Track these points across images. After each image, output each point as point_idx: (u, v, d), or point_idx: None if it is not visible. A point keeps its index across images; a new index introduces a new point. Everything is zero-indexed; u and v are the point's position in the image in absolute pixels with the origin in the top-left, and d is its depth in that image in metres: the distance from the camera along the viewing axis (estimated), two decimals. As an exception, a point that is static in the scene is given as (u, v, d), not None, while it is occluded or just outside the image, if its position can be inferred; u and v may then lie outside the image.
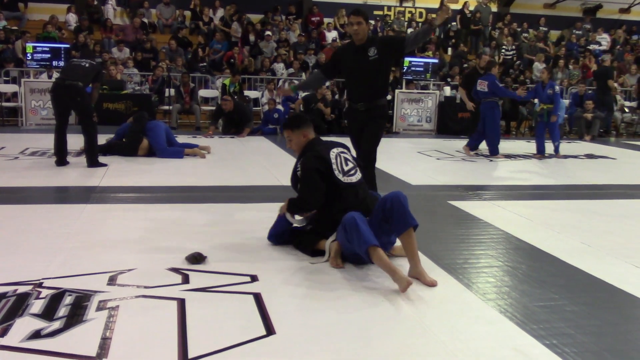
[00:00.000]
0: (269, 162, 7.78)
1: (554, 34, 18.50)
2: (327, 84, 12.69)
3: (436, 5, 18.10)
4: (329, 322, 2.86)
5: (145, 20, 15.34)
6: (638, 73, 14.45)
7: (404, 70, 12.78)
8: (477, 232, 4.72)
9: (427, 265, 3.73)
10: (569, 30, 18.40)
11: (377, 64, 4.88)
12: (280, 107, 11.63)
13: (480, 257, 4.07)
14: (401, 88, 12.89)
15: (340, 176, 3.84)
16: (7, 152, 7.86)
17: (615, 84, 13.64)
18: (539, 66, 14.96)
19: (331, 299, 3.13)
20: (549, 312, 3.09)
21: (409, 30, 16.85)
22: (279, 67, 13.83)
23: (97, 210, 4.96)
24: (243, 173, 7.03)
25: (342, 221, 3.51)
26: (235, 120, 10.71)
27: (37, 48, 11.23)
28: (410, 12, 18.73)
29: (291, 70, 13.76)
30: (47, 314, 2.82)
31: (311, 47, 15.11)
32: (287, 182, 4.41)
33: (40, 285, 3.18)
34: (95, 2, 15.35)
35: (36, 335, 2.61)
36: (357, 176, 3.94)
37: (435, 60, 13.93)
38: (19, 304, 2.92)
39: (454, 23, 17.56)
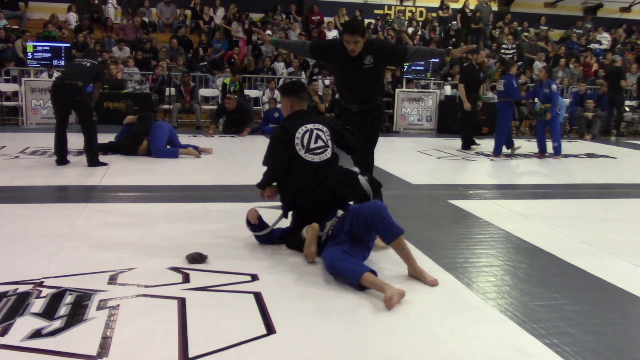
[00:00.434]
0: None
1: (555, 34, 18.47)
2: (327, 82, 12.69)
3: (437, 5, 18.10)
4: (329, 321, 2.87)
5: (146, 19, 15.33)
6: (638, 72, 14.43)
7: (405, 70, 12.78)
8: (478, 231, 4.72)
9: (428, 264, 3.74)
10: (570, 30, 18.39)
11: (372, 71, 4.51)
12: (280, 106, 11.61)
13: (481, 256, 4.07)
14: (401, 87, 12.89)
15: (301, 152, 3.84)
16: (8, 151, 7.86)
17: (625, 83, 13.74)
18: (539, 65, 14.95)
19: (331, 299, 3.13)
20: (549, 311, 3.09)
21: (410, 30, 16.86)
22: (279, 66, 13.82)
23: (98, 209, 4.96)
24: (243, 172, 7.03)
25: (324, 261, 3.48)
26: (237, 120, 10.71)
27: (38, 47, 11.24)
28: (410, 11, 18.71)
29: (291, 69, 13.76)
30: (48, 313, 2.83)
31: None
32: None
33: (40, 284, 3.18)
34: (96, 2, 15.35)
35: (37, 334, 2.61)
36: (323, 156, 3.87)
37: (436, 60, 13.92)
38: (20, 303, 2.92)
39: (454, 22, 17.55)
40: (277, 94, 11.97)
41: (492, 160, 8.90)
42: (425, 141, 10.82)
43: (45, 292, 3.08)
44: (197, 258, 3.63)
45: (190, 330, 2.69)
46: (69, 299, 3.00)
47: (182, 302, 3.00)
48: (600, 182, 7.36)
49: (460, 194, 6.15)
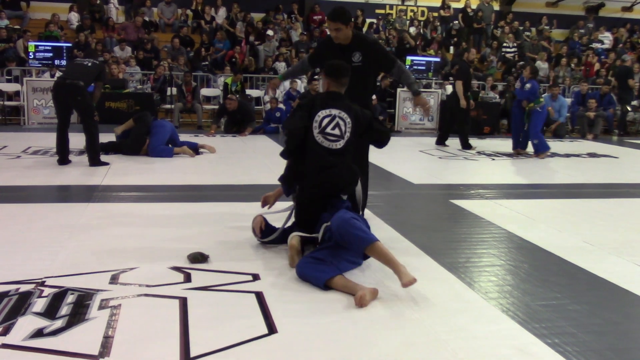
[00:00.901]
0: (271, 161, 7.77)
1: (555, 34, 18.44)
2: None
3: (438, 4, 18.08)
4: (330, 321, 2.86)
5: (147, 18, 15.34)
6: (640, 72, 14.46)
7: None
8: (479, 230, 4.72)
9: (429, 264, 3.74)
10: (571, 29, 18.37)
11: (359, 70, 4.36)
12: (282, 105, 11.63)
13: (482, 255, 4.07)
14: (403, 87, 12.88)
15: (315, 130, 3.77)
16: (10, 151, 7.87)
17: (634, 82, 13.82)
18: (541, 65, 14.95)
19: (333, 298, 3.13)
20: (551, 311, 3.09)
21: (412, 30, 16.84)
22: (281, 66, 13.83)
23: (99, 209, 4.96)
24: (245, 172, 7.03)
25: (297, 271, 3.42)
26: (238, 119, 10.71)
27: (39, 47, 11.24)
28: (412, 10, 18.71)
29: (292, 69, 13.75)
30: (50, 312, 2.83)
31: (313, 45, 15.10)
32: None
33: (42, 283, 3.18)
34: (98, 1, 15.36)
35: (38, 333, 2.61)
36: (334, 145, 3.78)
37: (438, 59, 13.93)
38: (21, 303, 2.92)
39: (456, 22, 17.54)
40: (278, 93, 11.97)
41: (493, 159, 8.89)
42: (426, 141, 10.81)
43: (47, 291, 3.08)
44: (199, 258, 3.63)
45: (191, 330, 2.69)
46: (70, 298, 3.00)
47: (183, 302, 3.00)
48: (602, 182, 7.35)
49: (461, 194, 6.15)
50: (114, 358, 2.43)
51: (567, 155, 9.49)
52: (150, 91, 12.07)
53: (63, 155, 6.98)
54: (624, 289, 3.47)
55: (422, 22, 17.82)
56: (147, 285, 3.21)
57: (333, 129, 3.80)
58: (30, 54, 11.22)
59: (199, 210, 4.99)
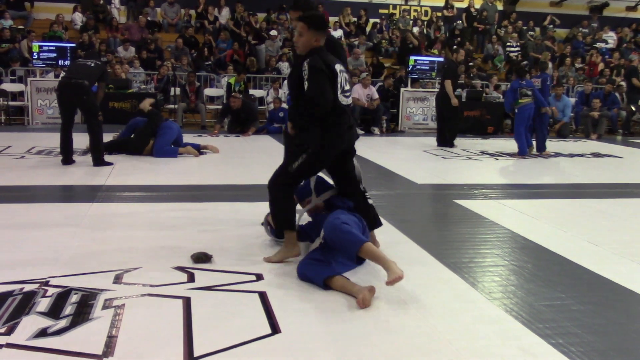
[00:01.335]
0: (274, 161, 7.73)
1: (558, 33, 18.40)
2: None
3: (442, 4, 18.06)
4: (334, 320, 2.86)
5: (150, 18, 15.35)
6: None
7: (410, 69, 12.76)
8: (483, 230, 4.71)
9: (432, 264, 3.73)
10: (571, 30, 18.33)
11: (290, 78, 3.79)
12: (285, 105, 11.62)
13: (486, 255, 4.06)
14: (406, 87, 12.88)
15: (338, 91, 3.56)
16: (14, 151, 7.89)
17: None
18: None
19: (336, 299, 3.13)
20: (554, 311, 3.08)
21: (415, 30, 16.81)
22: (284, 65, 13.83)
23: (103, 209, 4.97)
24: (248, 172, 7.03)
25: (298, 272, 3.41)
26: (242, 119, 10.72)
27: (43, 47, 11.26)
28: (415, 10, 18.69)
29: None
30: (53, 312, 2.83)
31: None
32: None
33: (46, 283, 3.19)
34: (101, 2, 15.39)
35: (42, 333, 2.62)
36: (349, 101, 3.69)
37: (441, 59, 13.88)
38: (26, 303, 2.93)
39: (459, 21, 17.52)
40: (281, 93, 11.97)
41: (497, 160, 8.88)
42: (430, 141, 10.79)
43: (51, 291, 3.09)
44: (202, 257, 3.63)
45: (195, 330, 2.69)
46: (74, 298, 3.01)
47: (187, 302, 3.01)
48: (606, 182, 7.33)
49: (465, 194, 6.14)
50: (117, 358, 2.43)
51: (571, 155, 9.47)
52: (153, 91, 12.08)
53: (67, 155, 6.99)
54: (628, 289, 3.46)
55: (425, 22, 17.80)
56: (151, 285, 3.21)
57: (346, 84, 3.67)
58: (34, 54, 11.24)
59: (203, 210, 5.00)
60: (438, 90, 10.63)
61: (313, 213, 3.97)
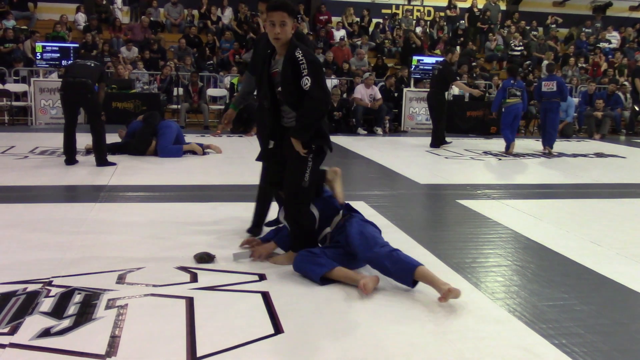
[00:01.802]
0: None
1: (561, 33, 18.37)
2: (335, 82, 12.68)
3: (444, 4, 18.04)
4: (336, 321, 2.86)
5: (153, 19, 15.36)
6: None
7: (412, 69, 12.76)
8: (486, 231, 4.71)
9: (435, 264, 3.73)
10: (575, 28, 18.29)
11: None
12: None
13: (489, 256, 4.06)
14: (408, 87, 12.87)
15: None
16: (17, 151, 7.91)
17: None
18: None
19: (339, 299, 3.13)
20: (558, 312, 3.07)
21: (418, 30, 16.79)
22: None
23: (106, 209, 4.98)
24: (251, 172, 7.02)
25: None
26: (244, 119, 10.72)
27: (47, 47, 11.30)
28: (418, 10, 18.67)
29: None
30: (57, 312, 2.84)
31: (319, 45, 15.11)
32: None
33: (49, 283, 3.19)
34: (104, 2, 15.41)
35: (46, 333, 2.62)
36: None
37: (444, 59, 13.87)
38: (29, 302, 2.93)
39: (462, 21, 17.50)
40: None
41: (500, 159, 8.87)
42: (433, 141, 10.77)
43: (54, 291, 3.09)
44: (205, 258, 3.64)
45: (198, 330, 2.69)
46: (77, 298, 3.01)
47: (190, 302, 3.01)
48: (609, 182, 7.31)
49: (468, 194, 6.13)
50: (120, 358, 2.43)
51: (574, 155, 9.45)
52: (156, 91, 12.10)
53: (70, 155, 7.01)
54: (631, 290, 3.46)
55: (428, 22, 17.78)
56: (154, 285, 3.21)
57: None
58: (38, 54, 11.28)
59: (205, 210, 5.00)
60: (428, 91, 10.65)
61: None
